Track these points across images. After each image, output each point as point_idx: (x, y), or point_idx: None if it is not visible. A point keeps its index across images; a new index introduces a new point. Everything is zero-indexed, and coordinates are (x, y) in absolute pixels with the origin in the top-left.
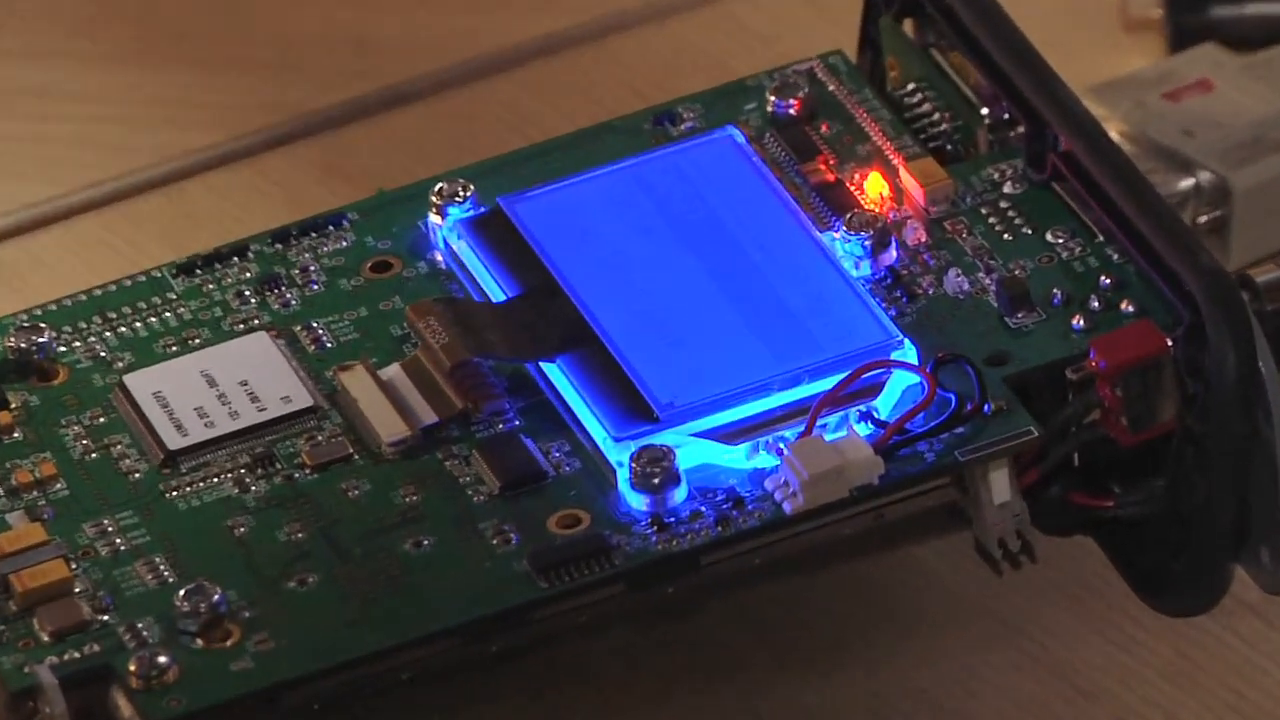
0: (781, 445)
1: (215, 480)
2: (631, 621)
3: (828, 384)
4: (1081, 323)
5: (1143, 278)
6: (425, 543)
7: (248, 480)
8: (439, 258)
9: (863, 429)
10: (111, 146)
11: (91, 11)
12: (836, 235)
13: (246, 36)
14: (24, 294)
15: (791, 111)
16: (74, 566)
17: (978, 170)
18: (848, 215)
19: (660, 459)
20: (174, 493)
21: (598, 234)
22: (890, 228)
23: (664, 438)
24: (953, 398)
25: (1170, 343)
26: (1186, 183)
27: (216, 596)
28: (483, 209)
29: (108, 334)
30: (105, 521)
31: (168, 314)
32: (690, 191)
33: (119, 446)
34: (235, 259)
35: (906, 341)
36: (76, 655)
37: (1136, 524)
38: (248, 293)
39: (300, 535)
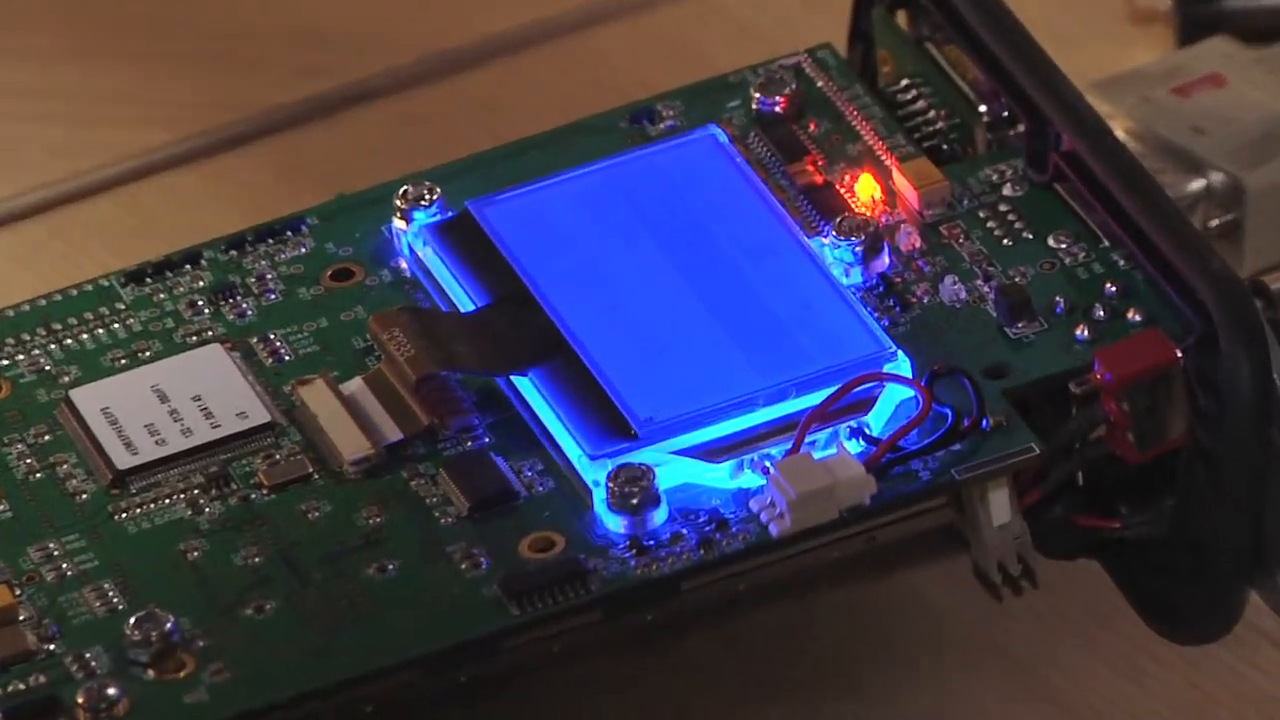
0: (767, 463)
1: (167, 501)
2: (608, 651)
3: (816, 398)
4: (1085, 333)
5: (1151, 285)
6: (390, 567)
7: (201, 501)
8: (404, 265)
9: (854, 446)
10: (53, 147)
11: (25, 2)
12: (826, 241)
13: (196, 28)
14: None
15: (777, 109)
16: (18, 593)
17: (975, 171)
18: (837, 219)
19: (639, 478)
20: (123, 514)
21: (572, 240)
22: (883, 232)
23: (643, 456)
24: (949, 413)
25: (1180, 354)
26: (1197, 184)
27: (169, 624)
28: (450, 213)
29: (53, 346)
30: (51, 545)
31: (116, 325)
32: (670, 194)
33: (65, 466)
34: (188, 267)
35: (900, 353)
36: (21, 687)
37: (1145, 546)
38: (201, 302)
39: (257, 559)
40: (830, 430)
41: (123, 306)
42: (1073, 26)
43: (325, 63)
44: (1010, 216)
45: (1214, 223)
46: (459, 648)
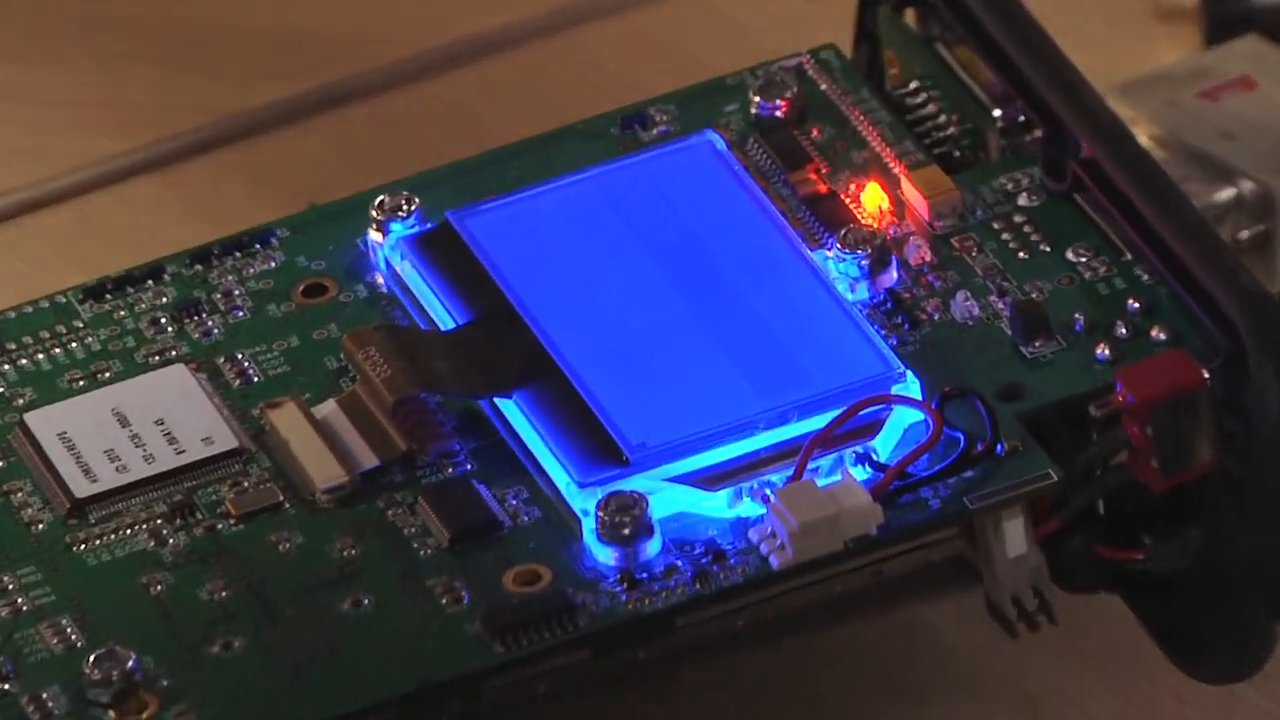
0: (768, 491)
1: (128, 532)
2: (598, 691)
3: (820, 422)
4: (1106, 352)
5: (1175, 301)
6: (365, 602)
7: (165, 532)
8: (380, 280)
9: (859, 473)
10: (5, 154)
11: None
12: (829, 254)
13: (160, 28)
14: None
15: (778, 114)
16: None
17: (989, 179)
18: (842, 231)
19: (630, 507)
20: (82, 546)
21: (559, 253)
22: (890, 245)
23: (635, 483)
24: (961, 437)
25: (1206, 375)
26: (1225, 193)
27: (130, 663)
28: (429, 225)
29: (6, 367)
30: (5, 578)
31: (74, 344)
32: (664, 204)
33: (20, 494)
34: (150, 282)
35: (909, 374)
36: None
37: (1169, 579)
38: (164, 320)
39: (224, 594)
40: (834, 456)
41: (81, 324)
42: (1094, 25)
43: (296, 64)
44: (1026, 228)
45: (1244, 235)
46: (439, 687)
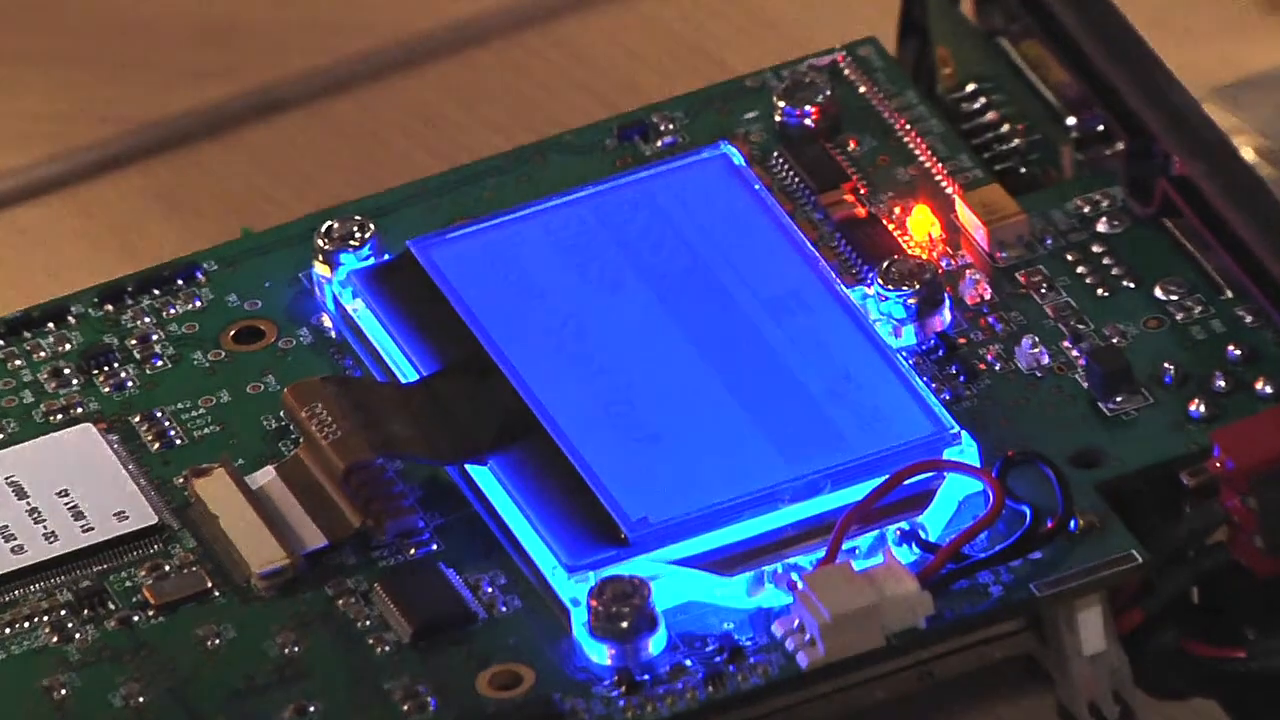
0: (795, 576)
1: (27, 625)
2: None
3: (857, 493)
4: (1202, 409)
5: None
6: (311, 709)
7: (71, 625)
8: (327, 322)
9: (905, 554)
10: None
11: None
12: (869, 291)
13: (61, 22)
14: None
15: (807, 122)
16: None
17: (1062, 202)
18: (885, 264)
19: (629, 595)
20: None
21: (544, 290)
22: (942, 281)
23: (635, 566)
24: (1027, 511)
25: None
26: None
27: None
28: (387, 256)
29: None
30: None
31: None
32: (669, 231)
33: None
34: (51, 325)
35: (964, 435)
36: None
37: (1276, 682)
38: (68, 371)
39: (141, 699)
40: (875, 534)
41: None
42: (1188, 16)
43: (226, 63)
44: (1105, 260)
45: None
46: None
